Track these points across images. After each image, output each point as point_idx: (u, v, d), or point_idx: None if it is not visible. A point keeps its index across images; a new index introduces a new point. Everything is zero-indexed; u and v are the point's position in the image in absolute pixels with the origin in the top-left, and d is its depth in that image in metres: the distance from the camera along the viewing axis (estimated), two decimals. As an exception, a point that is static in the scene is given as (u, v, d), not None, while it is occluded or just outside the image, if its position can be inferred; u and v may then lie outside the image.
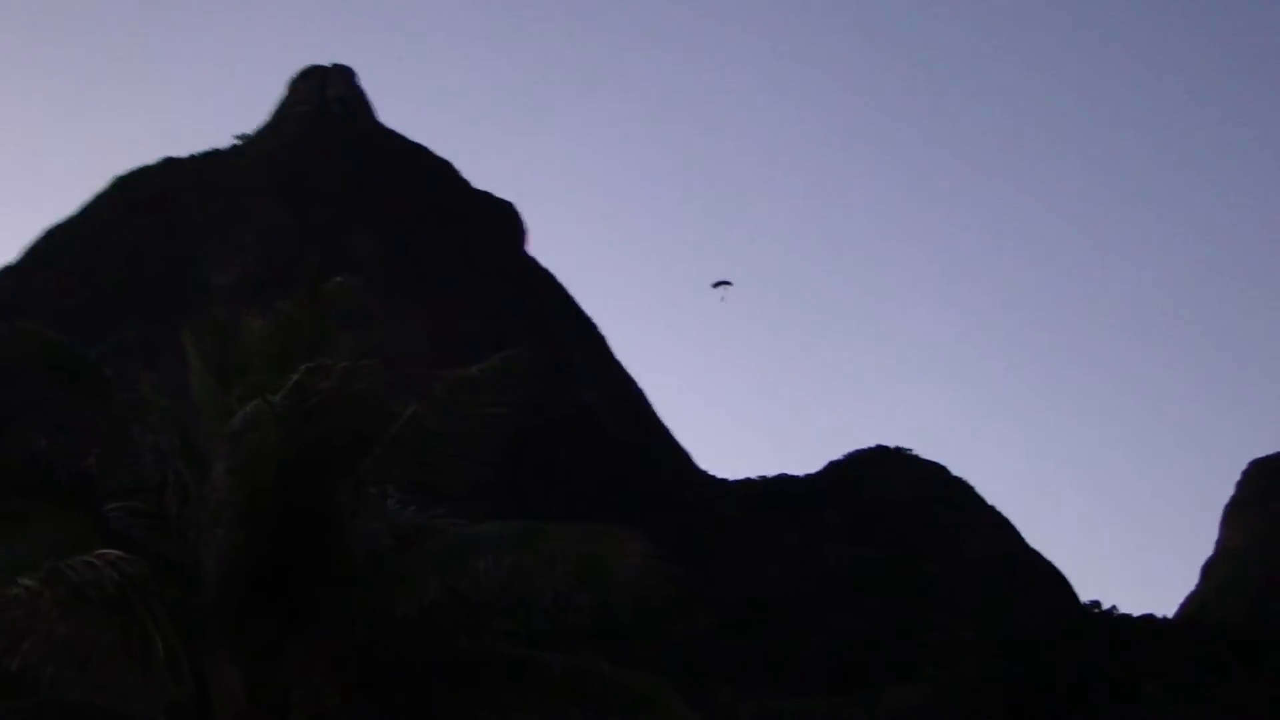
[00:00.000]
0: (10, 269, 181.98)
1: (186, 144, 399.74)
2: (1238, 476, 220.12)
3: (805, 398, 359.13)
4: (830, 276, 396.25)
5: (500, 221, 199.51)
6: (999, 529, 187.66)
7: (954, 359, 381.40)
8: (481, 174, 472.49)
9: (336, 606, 13.96)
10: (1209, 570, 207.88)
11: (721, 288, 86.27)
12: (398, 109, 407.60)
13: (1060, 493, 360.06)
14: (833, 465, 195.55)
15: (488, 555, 13.81)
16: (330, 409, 13.99)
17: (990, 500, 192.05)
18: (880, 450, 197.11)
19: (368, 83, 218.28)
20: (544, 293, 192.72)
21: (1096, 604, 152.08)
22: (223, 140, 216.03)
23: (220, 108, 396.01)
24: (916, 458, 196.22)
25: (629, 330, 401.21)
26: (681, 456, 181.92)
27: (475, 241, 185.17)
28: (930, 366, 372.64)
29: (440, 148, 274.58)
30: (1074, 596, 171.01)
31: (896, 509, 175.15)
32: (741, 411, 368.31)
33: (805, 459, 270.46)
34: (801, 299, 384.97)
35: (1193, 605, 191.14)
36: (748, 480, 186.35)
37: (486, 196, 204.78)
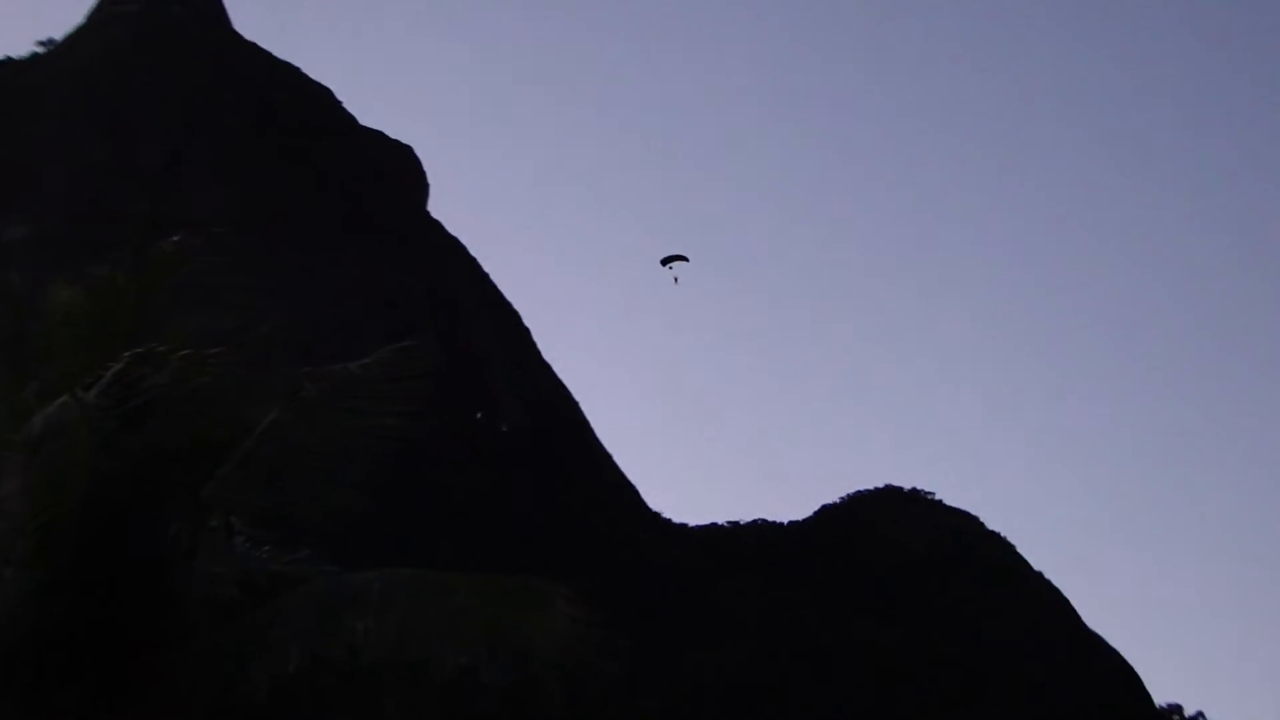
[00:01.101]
0: None
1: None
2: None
3: (790, 420, 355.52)
4: (825, 263, 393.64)
5: (395, 171, 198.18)
6: (1049, 603, 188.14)
7: (994, 377, 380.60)
8: (372, 107, 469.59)
9: (164, 675, 13.81)
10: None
11: (674, 264, 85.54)
12: (260, 15, 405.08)
13: (1132, 562, 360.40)
14: (826, 511, 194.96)
15: (369, 613, 13.69)
16: (162, 412, 13.94)
17: (1037, 565, 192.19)
18: (891, 492, 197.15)
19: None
20: (451, 269, 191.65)
21: (1177, 709, 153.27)
22: (20, 47, 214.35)
23: (17, 2, 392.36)
24: (939, 504, 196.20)
25: (562, 324, 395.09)
26: (627, 491, 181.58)
27: (361, 196, 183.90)
28: (962, 385, 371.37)
29: (317, 69, 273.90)
30: (1147, 698, 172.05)
31: (910, 570, 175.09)
32: (706, 437, 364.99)
33: (789, 501, 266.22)
34: (787, 291, 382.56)
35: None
36: (714, 526, 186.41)
37: (378, 137, 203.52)
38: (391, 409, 14.96)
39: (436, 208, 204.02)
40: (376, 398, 14.98)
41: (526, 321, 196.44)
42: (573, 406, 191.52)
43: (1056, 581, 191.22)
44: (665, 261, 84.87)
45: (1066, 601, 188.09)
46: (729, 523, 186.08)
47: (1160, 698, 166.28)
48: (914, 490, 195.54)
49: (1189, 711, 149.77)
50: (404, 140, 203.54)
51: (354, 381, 15.07)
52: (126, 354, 13.88)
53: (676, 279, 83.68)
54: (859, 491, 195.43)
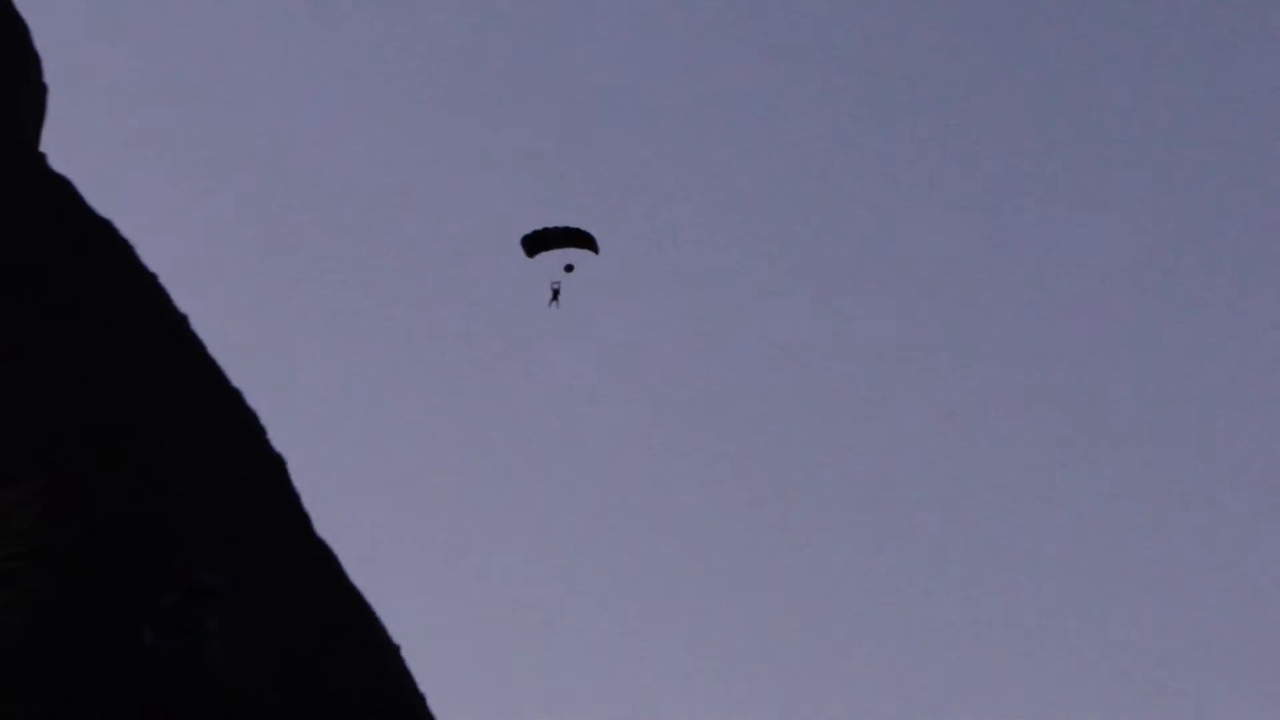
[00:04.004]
0: None
1: None
2: None
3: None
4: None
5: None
6: None
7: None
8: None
9: None
10: None
11: (550, 253, 44.82)
12: None
13: None
14: None
15: None
16: None
17: None
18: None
19: None
20: (104, 294, 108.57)
21: None
22: None
23: None
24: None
25: (338, 424, 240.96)
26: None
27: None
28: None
29: None
30: None
31: None
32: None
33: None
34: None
35: None
36: None
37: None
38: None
39: (58, 151, 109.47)
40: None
41: (265, 415, 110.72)
42: (374, 630, 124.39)
43: None
44: (532, 247, 41.33)
45: None
46: None
47: None
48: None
49: None
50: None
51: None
52: None
53: (557, 293, 42.80)
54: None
